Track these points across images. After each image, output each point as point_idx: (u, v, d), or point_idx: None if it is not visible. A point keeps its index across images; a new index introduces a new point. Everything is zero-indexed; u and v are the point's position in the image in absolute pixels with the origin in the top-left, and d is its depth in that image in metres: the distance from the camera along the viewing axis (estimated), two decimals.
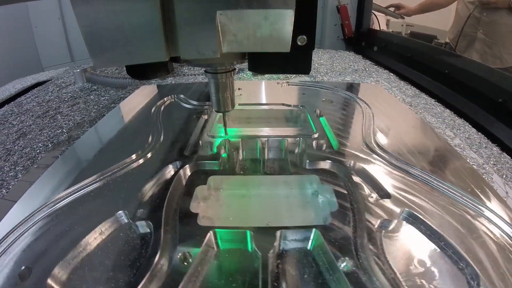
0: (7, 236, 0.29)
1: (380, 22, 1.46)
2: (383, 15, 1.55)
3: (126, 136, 0.50)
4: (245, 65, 0.32)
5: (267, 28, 0.24)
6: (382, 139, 0.45)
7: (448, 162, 0.41)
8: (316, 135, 0.46)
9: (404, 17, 1.56)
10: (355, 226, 0.29)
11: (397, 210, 0.31)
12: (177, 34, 0.24)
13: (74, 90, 0.84)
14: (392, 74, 0.95)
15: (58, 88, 0.87)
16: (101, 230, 0.30)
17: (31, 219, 0.31)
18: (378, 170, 0.37)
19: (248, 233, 0.28)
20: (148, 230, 0.29)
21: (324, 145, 0.44)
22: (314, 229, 0.28)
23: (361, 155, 0.41)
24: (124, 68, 0.31)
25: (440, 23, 1.88)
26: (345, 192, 0.34)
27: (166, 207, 0.31)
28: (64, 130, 0.60)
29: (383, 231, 0.29)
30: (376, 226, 0.29)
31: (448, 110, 0.67)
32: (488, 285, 0.23)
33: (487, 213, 0.31)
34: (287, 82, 0.75)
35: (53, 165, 0.42)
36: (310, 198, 0.35)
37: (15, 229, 0.30)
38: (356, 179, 0.36)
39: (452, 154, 0.43)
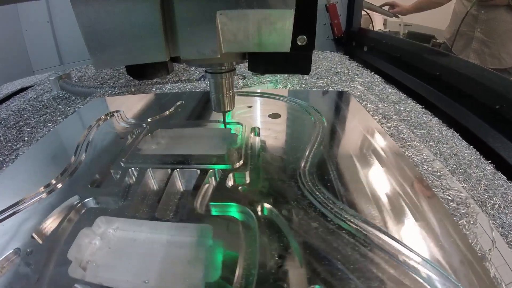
0: None
1: (378, 22, 1.44)
2: (380, 14, 1.53)
3: (48, 162, 0.44)
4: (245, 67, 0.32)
5: (267, 28, 0.24)
6: (322, 175, 0.35)
7: (408, 211, 0.30)
8: (238, 164, 0.36)
9: (399, 16, 1.52)
10: None
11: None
12: (177, 34, 0.24)
13: (48, 98, 0.82)
14: (378, 77, 0.87)
15: (36, 96, 0.85)
16: None
17: None
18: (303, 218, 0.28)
19: None
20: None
21: (243, 180, 0.34)
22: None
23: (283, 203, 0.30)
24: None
25: (439, 22, 1.87)
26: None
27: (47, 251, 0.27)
28: (19, 145, 0.56)
29: None
30: None
31: (436, 118, 0.57)
32: None
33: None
34: (237, 92, 0.63)
35: None
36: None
37: None
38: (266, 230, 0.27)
39: (429, 202, 0.31)
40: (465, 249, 0.26)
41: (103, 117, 0.57)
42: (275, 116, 0.51)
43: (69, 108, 0.74)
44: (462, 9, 1.15)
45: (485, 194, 0.37)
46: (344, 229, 0.28)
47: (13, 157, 0.52)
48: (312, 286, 0.23)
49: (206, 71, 0.34)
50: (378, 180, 0.34)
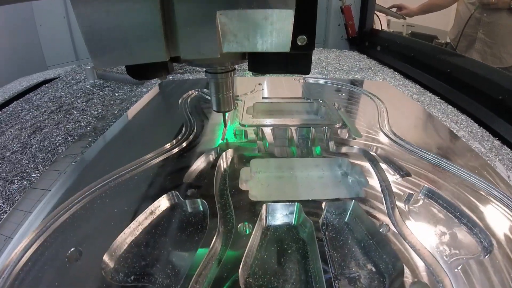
0: (52, 219, 0.29)
1: (381, 22, 1.47)
2: (385, 15, 1.55)
3: (159, 126, 0.52)
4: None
5: (267, 28, 0.24)
6: (397, 129, 0.49)
7: (456, 149, 0.46)
8: (338, 125, 0.49)
9: (406, 17, 1.56)
10: (385, 198, 0.34)
11: (418, 186, 0.35)
12: (177, 34, 0.24)
13: (86, 86, 0.84)
14: (396, 73, 0.96)
15: (68, 85, 0.87)
16: (151, 210, 0.31)
17: (76, 201, 0.32)
18: (397, 154, 0.42)
19: (297, 205, 0.31)
20: (201, 209, 0.32)
21: (347, 133, 0.48)
22: (353, 201, 0.32)
23: (381, 141, 0.46)
24: None
25: (440, 23, 1.88)
26: (372, 172, 0.38)
27: (215, 186, 0.34)
28: (83, 124, 0.60)
29: (408, 203, 0.34)
30: (402, 197, 0.34)
31: (451, 107, 0.70)
32: (498, 248, 0.27)
33: (492, 190, 0.35)
34: (304, 78, 0.79)
35: (86, 153, 0.43)
36: (341, 178, 0.40)
37: (59, 213, 0.30)
38: (379, 161, 0.40)
39: (459, 143, 0.48)
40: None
41: (190, 92, 0.67)
42: (350, 95, 0.68)
43: (116, 94, 0.77)
44: (466, 12, 1.20)
45: (496, 158, 0.48)
46: None
47: (83, 130, 0.57)
48: None
49: (206, 71, 0.34)
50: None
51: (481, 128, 0.59)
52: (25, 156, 0.49)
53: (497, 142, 0.54)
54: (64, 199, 0.32)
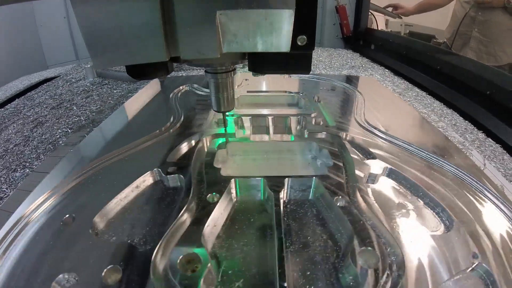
0: (51, 190, 0.34)
1: (379, 22, 1.48)
2: (382, 15, 1.56)
3: (150, 115, 0.58)
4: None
5: (267, 28, 0.24)
6: (370, 118, 0.53)
7: (428, 137, 0.49)
8: (314, 115, 0.54)
9: (402, 17, 1.57)
10: (347, 177, 0.36)
11: (381, 166, 0.38)
12: (177, 34, 0.24)
13: (85, 84, 0.87)
14: (387, 70, 0.98)
15: (68, 83, 0.89)
16: (137, 185, 0.36)
17: (71, 177, 0.36)
18: (366, 140, 0.45)
19: (262, 180, 0.35)
20: (179, 184, 0.37)
21: (321, 122, 0.52)
22: (314, 178, 0.35)
23: (352, 129, 0.50)
24: None
25: (439, 23, 1.89)
26: (338, 154, 0.42)
27: (193, 164, 0.39)
28: (82, 118, 0.62)
29: (370, 182, 0.37)
30: (364, 177, 0.36)
31: (438, 101, 0.72)
32: (460, 225, 0.29)
33: (454, 170, 0.38)
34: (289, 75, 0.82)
35: (83, 140, 0.47)
36: (311, 161, 0.44)
37: (57, 186, 0.35)
38: (348, 146, 0.43)
39: (434, 132, 0.50)
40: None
41: (181, 87, 0.71)
42: (332, 89, 0.73)
43: (115, 91, 0.79)
44: (461, 11, 1.21)
45: (478, 149, 0.49)
46: None
47: (83, 123, 0.59)
48: None
49: (206, 71, 0.34)
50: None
51: (466, 121, 0.60)
52: (27, 148, 0.51)
53: (481, 135, 0.55)
54: (62, 179, 0.36)
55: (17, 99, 0.78)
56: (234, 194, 0.35)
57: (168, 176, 0.36)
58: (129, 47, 0.24)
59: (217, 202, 0.32)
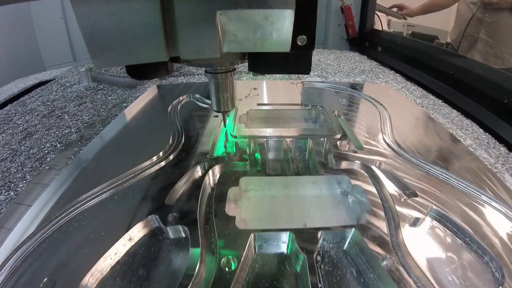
0: (24, 244, 0.27)
1: (382, 22, 1.47)
2: (385, 15, 1.55)
3: (145, 137, 0.49)
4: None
5: (267, 28, 0.24)
6: (401, 139, 0.47)
7: (464, 161, 0.43)
8: (338, 136, 0.46)
9: (407, 17, 1.56)
10: (389, 224, 0.30)
11: (425, 208, 0.33)
12: (177, 34, 0.24)
13: (80, 89, 0.84)
14: (398, 75, 0.95)
15: (62, 88, 0.86)
16: (130, 236, 0.28)
17: (50, 225, 0.29)
18: (402, 170, 0.39)
19: (290, 235, 0.28)
20: (183, 235, 0.29)
21: (347, 146, 0.45)
22: (353, 229, 0.29)
23: (384, 155, 0.43)
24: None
25: (441, 23, 1.87)
26: (375, 191, 0.35)
27: (199, 207, 0.31)
28: (73, 130, 0.59)
29: (414, 228, 0.31)
30: (408, 224, 0.31)
31: (455, 111, 0.68)
32: (511, 277, 0.25)
33: (504, 209, 0.33)
34: (302, 82, 0.76)
35: (67, 166, 0.41)
36: (340, 198, 0.36)
37: (32, 237, 0.28)
38: (381, 177, 0.37)
39: (467, 154, 0.45)
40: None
41: (181, 98, 0.64)
42: (351, 99, 0.66)
43: (109, 97, 0.76)
44: (468, 12, 1.19)
45: (504, 167, 0.46)
46: None
47: (73, 137, 0.56)
48: None
49: (206, 71, 0.34)
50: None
51: (486, 134, 0.58)
52: (14, 164, 0.49)
53: (503, 149, 0.52)
54: (42, 222, 0.30)
55: (9, 105, 0.77)
56: (252, 251, 0.28)
57: (168, 226, 0.29)
58: (129, 47, 0.24)
59: (235, 270, 0.25)
